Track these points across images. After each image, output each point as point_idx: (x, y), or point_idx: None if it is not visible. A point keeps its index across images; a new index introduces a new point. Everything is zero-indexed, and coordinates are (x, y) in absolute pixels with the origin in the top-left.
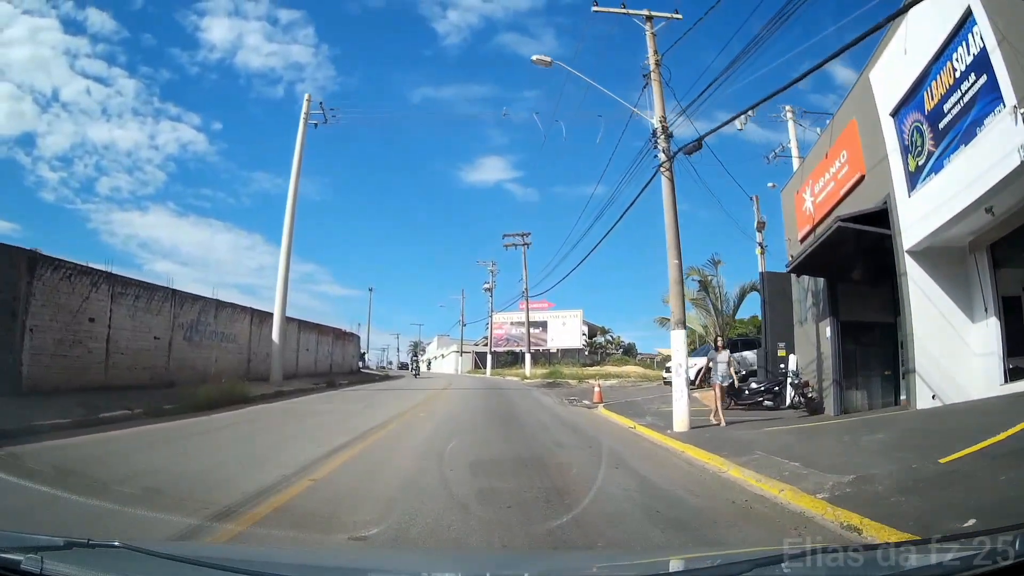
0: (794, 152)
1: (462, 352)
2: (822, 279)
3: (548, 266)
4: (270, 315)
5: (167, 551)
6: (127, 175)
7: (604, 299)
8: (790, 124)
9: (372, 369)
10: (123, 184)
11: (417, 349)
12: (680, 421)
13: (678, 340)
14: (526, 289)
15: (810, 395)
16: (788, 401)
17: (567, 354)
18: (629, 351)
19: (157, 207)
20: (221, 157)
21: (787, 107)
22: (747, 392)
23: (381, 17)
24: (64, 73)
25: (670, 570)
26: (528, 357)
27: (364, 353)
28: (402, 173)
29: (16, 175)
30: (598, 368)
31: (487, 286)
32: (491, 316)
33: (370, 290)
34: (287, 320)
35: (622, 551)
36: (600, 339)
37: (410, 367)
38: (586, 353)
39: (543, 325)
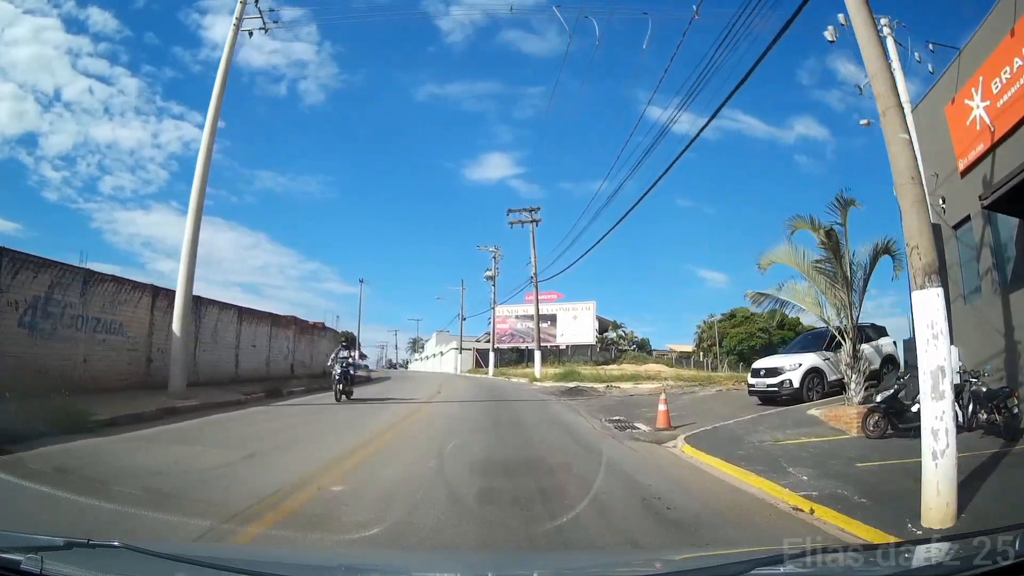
0: (900, 77)
1: (461, 349)
2: (1016, 221)
3: (556, 250)
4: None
5: (167, 551)
6: (130, 174)
7: (610, 293)
8: (889, 41)
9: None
10: (126, 183)
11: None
12: (940, 507)
13: (929, 306)
14: (535, 273)
15: (1015, 410)
16: (961, 418)
17: (578, 351)
18: (643, 347)
19: (160, 206)
20: (224, 155)
21: (883, 19)
22: (913, 411)
23: (384, 14)
24: (66, 72)
25: (670, 570)
26: (538, 354)
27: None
28: (406, 171)
29: (18, 175)
30: (617, 367)
31: (489, 273)
32: (494, 308)
33: (361, 281)
34: (219, 307)
35: (623, 551)
36: (611, 334)
37: (334, 380)
38: (598, 349)
39: (552, 319)
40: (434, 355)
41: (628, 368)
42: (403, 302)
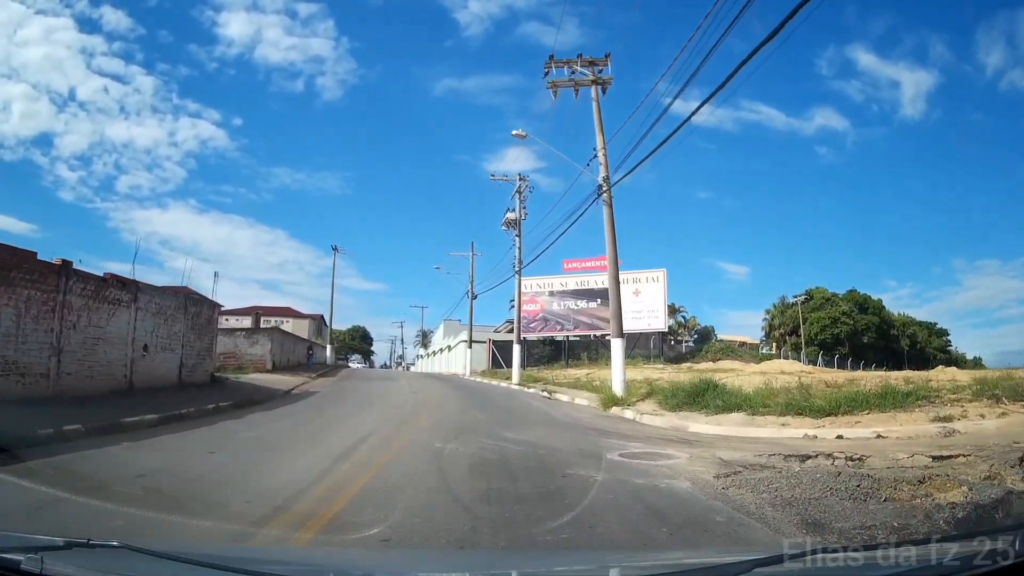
0: None
1: (472, 343)
2: None
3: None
4: None
5: (166, 551)
6: (147, 172)
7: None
8: None
9: (305, 373)
10: (143, 182)
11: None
12: None
13: None
14: (605, 177)
15: None
16: None
17: (638, 342)
18: (707, 337)
19: (177, 204)
20: (242, 153)
21: None
22: None
23: (401, 8)
24: (80, 72)
25: (670, 570)
26: (619, 345)
27: (312, 345)
28: (424, 166)
29: (34, 175)
30: (713, 365)
31: (511, 216)
32: (519, 272)
33: (334, 249)
34: None
35: (622, 551)
36: (669, 321)
37: None
38: (665, 341)
39: (602, 295)
40: (440, 350)
41: (734, 365)
42: (423, 299)
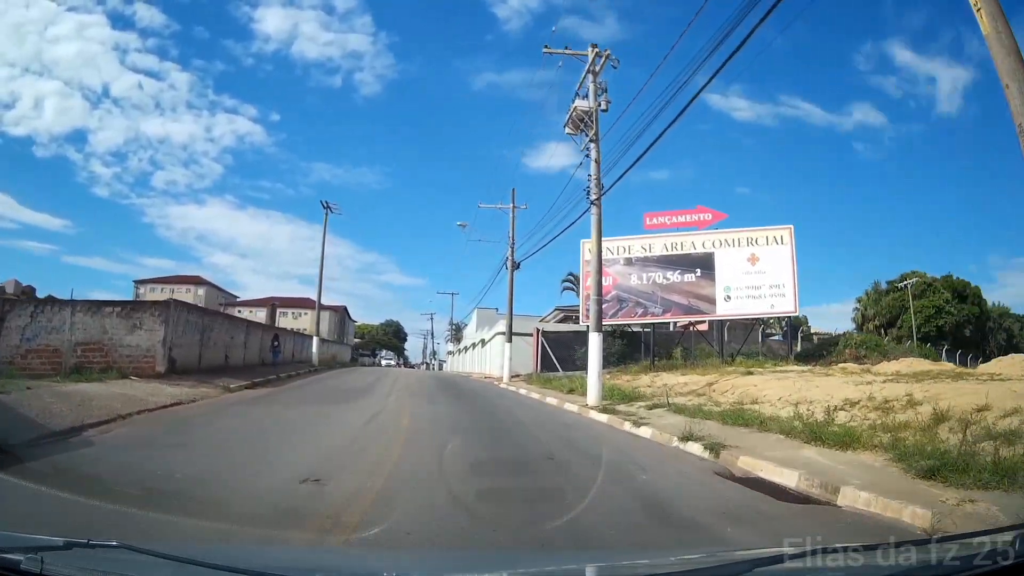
0: None
1: (511, 335)
2: None
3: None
4: None
5: (166, 551)
6: (183, 168)
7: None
8: None
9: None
10: (179, 178)
11: None
12: None
13: None
14: None
15: None
16: None
17: (748, 336)
18: (797, 329)
19: (214, 199)
20: (279, 148)
21: None
22: None
23: (440, 2)
24: (114, 68)
25: (670, 570)
26: None
27: (279, 335)
28: (463, 161)
29: (67, 172)
30: (891, 368)
31: (583, 106)
32: (597, 198)
33: (325, 208)
34: None
35: (623, 551)
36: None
37: None
38: (779, 336)
39: (703, 263)
40: (473, 345)
41: (924, 366)
42: (464, 293)
